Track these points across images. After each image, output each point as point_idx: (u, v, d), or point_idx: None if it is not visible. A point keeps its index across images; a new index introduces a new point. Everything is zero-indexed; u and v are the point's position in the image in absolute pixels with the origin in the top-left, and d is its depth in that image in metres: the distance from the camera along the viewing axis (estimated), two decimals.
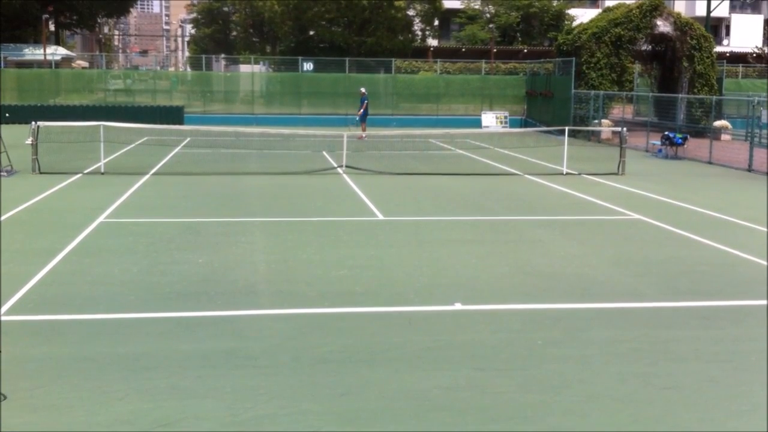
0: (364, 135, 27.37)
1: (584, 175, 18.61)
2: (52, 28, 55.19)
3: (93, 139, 20.29)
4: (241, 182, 16.64)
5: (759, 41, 58.62)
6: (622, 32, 30.69)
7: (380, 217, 12.88)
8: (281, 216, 12.81)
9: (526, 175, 18.52)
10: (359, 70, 38.52)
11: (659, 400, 5.56)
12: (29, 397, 5.43)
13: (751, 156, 20.86)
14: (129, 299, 7.82)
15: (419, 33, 51.54)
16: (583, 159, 21.63)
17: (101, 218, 12.16)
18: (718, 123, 27.31)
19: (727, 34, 64.32)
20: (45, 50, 45.57)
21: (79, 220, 11.83)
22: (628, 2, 32.30)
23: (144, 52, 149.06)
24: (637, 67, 35.89)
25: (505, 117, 36.50)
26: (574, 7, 53.57)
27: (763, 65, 45.74)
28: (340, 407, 5.36)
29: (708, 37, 32.16)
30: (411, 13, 49.63)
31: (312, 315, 7.46)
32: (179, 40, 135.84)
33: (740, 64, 45.41)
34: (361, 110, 28.52)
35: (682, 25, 31.35)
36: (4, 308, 7.39)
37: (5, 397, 5.37)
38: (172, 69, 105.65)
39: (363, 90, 29.13)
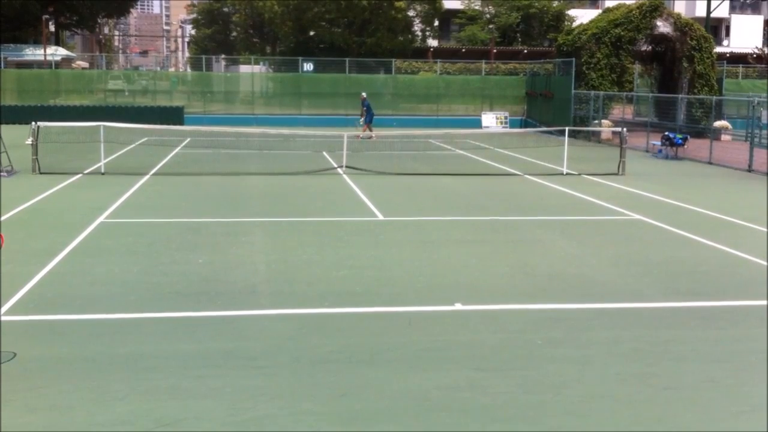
0: (373, 135, 27.42)
1: (584, 176, 18.61)
2: (52, 28, 55.16)
3: (93, 140, 20.28)
4: (242, 182, 16.64)
5: (759, 41, 58.59)
6: (622, 33, 30.70)
7: (380, 217, 12.88)
8: (281, 216, 12.81)
9: (526, 176, 18.52)
10: (359, 70, 38.51)
11: (659, 400, 5.56)
12: (29, 397, 5.43)
13: (751, 156, 20.86)
14: (129, 299, 7.82)
15: (419, 33, 51.50)
16: (583, 159, 21.63)
17: (101, 218, 12.16)
18: (718, 123, 27.31)
19: (727, 34, 64.28)
20: (45, 50, 45.56)
21: (79, 220, 11.83)
22: (628, 3, 32.30)
23: (144, 53, 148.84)
24: (637, 68, 35.88)
25: (505, 117, 36.51)
26: (574, 7, 53.57)
27: (763, 65, 45.71)
28: (340, 407, 5.36)
29: (708, 38, 32.16)
30: (411, 13, 49.56)
31: (312, 315, 7.46)
32: (179, 40, 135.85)
33: (740, 65, 45.36)
34: (364, 115, 28.72)
35: (682, 26, 31.36)
36: (4, 308, 7.39)
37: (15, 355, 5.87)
38: (172, 69, 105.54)
39: (364, 95, 29.29)
